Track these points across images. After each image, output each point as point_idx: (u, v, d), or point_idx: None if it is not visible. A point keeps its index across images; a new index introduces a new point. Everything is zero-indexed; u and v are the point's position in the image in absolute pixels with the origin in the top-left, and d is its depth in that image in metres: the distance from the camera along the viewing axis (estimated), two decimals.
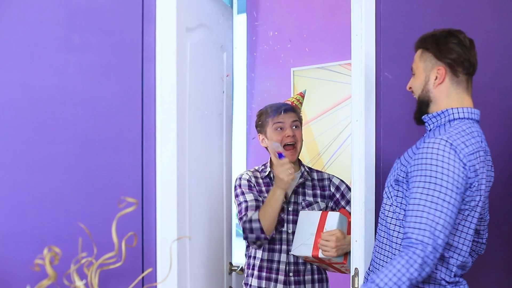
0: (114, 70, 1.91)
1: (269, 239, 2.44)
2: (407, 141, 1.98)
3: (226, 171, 2.57)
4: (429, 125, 1.82)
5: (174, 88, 1.98)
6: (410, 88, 1.88)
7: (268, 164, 2.60)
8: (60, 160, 1.80)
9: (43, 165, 1.77)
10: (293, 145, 2.51)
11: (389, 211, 1.81)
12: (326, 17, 3.67)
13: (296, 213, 2.49)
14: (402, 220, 1.76)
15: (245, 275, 2.58)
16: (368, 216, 2.07)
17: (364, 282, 1.95)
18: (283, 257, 2.48)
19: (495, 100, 2.23)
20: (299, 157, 2.60)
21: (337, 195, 2.57)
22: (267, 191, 2.53)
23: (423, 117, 1.83)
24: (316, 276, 2.53)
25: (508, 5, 2.24)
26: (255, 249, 2.52)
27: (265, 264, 2.50)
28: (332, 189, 2.58)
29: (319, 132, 3.68)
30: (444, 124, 1.77)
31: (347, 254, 2.33)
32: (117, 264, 1.43)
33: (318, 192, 2.57)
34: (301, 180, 2.55)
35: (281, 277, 2.48)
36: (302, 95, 2.78)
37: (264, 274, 2.50)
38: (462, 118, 1.76)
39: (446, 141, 1.67)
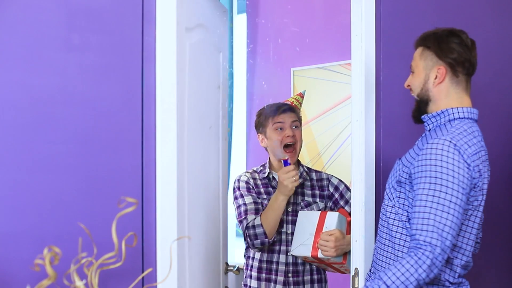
0: (114, 70, 1.91)
1: (271, 243, 2.45)
2: (407, 141, 1.98)
3: (222, 171, 2.57)
4: (428, 124, 1.81)
5: (174, 88, 1.98)
6: (408, 86, 1.88)
7: (267, 165, 2.60)
8: (60, 160, 1.80)
9: (43, 165, 1.77)
10: (292, 146, 2.51)
11: (391, 212, 1.81)
12: (326, 17, 3.67)
13: (295, 213, 2.49)
14: (405, 221, 1.75)
15: (244, 276, 2.58)
16: (368, 216, 2.07)
17: (365, 283, 1.95)
18: (282, 257, 2.48)
19: (495, 100, 2.23)
20: (298, 158, 2.60)
21: (336, 195, 2.57)
22: (266, 193, 2.53)
23: (423, 117, 1.83)
24: (315, 277, 2.53)
25: (508, 5, 2.24)
26: (255, 251, 2.53)
27: (264, 265, 2.50)
28: (331, 189, 2.58)
29: (319, 132, 3.68)
30: (444, 124, 1.77)
31: (346, 254, 2.33)
32: (117, 264, 1.43)
33: (317, 192, 2.57)
34: (300, 181, 2.55)
35: (280, 278, 2.48)
36: (302, 95, 2.78)
37: (263, 275, 2.50)
38: (462, 118, 1.76)
39: (450, 141, 1.66)
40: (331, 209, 2.55)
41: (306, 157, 3.71)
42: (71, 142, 1.82)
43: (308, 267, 2.51)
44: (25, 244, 1.72)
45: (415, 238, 1.63)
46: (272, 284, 2.48)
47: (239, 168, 4.00)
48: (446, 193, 1.62)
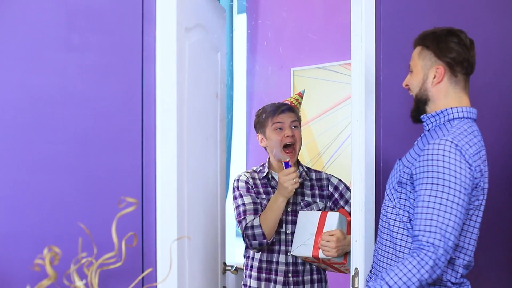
0: (114, 70, 1.91)
1: (270, 243, 2.45)
2: (407, 141, 1.98)
3: (221, 170, 2.57)
4: (427, 124, 1.81)
5: (174, 88, 1.98)
6: (406, 85, 1.87)
7: (266, 165, 2.60)
8: (60, 160, 1.80)
9: (43, 165, 1.77)
10: (292, 146, 2.51)
11: (391, 213, 1.80)
12: (326, 17, 3.67)
13: (294, 213, 2.49)
14: (406, 222, 1.75)
15: (244, 276, 2.58)
16: (368, 216, 2.07)
17: (366, 283, 1.95)
18: (282, 257, 2.48)
19: (495, 100, 2.23)
20: (297, 157, 2.60)
21: (336, 195, 2.57)
22: (265, 192, 2.54)
23: (422, 116, 1.83)
24: (315, 276, 2.53)
25: (508, 5, 2.24)
26: (254, 251, 2.53)
27: (264, 265, 2.50)
28: (331, 189, 2.58)
29: (319, 132, 3.68)
30: (444, 123, 1.76)
31: (347, 254, 2.33)
32: (117, 264, 1.43)
33: (317, 192, 2.57)
34: (299, 180, 2.55)
35: (280, 278, 2.48)
36: (301, 95, 2.78)
37: (263, 275, 2.50)
38: (461, 118, 1.76)
39: (452, 142, 1.66)
40: (331, 209, 2.55)
41: (306, 157, 3.71)
42: (71, 142, 1.82)
43: (308, 267, 2.51)
44: (25, 244, 1.72)
45: (418, 239, 1.62)
46: (272, 284, 2.48)
47: (239, 168, 4.00)
48: (449, 193, 1.62)
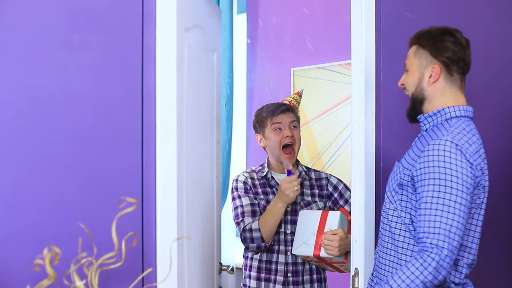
0: (114, 70, 1.91)
1: (268, 246, 2.45)
2: (407, 141, 1.98)
3: (217, 170, 2.57)
4: (424, 124, 1.81)
5: (174, 88, 1.97)
6: (402, 84, 1.87)
7: (266, 165, 2.60)
8: (60, 160, 1.80)
9: (43, 165, 1.77)
10: (291, 146, 2.51)
11: (393, 215, 1.79)
12: (326, 17, 3.67)
13: (294, 213, 2.49)
14: (408, 224, 1.74)
15: (243, 276, 2.58)
16: (368, 216, 2.07)
17: (368, 287, 1.95)
18: (281, 257, 2.48)
19: (495, 100, 2.23)
20: (297, 157, 2.60)
21: (335, 195, 2.57)
22: (263, 193, 2.54)
23: (419, 117, 1.82)
24: (315, 276, 2.53)
25: (508, 5, 2.24)
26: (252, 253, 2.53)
27: (263, 265, 2.50)
28: (330, 189, 2.58)
29: (319, 132, 3.68)
30: (442, 123, 1.76)
31: (347, 253, 2.33)
32: (117, 264, 1.43)
33: (316, 191, 2.57)
34: (299, 180, 2.55)
35: (279, 278, 2.48)
36: (300, 95, 2.78)
37: (262, 275, 2.50)
38: (459, 116, 1.75)
39: (451, 141, 1.66)
40: (331, 209, 2.56)
41: (306, 157, 3.71)
42: (71, 142, 1.82)
43: (307, 266, 2.51)
44: (25, 244, 1.72)
45: (422, 241, 1.62)
46: (271, 284, 2.48)
47: (239, 168, 4.00)
48: (451, 193, 1.62)
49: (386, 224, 1.82)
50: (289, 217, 2.49)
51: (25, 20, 1.74)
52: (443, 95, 1.77)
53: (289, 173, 2.38)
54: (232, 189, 2.56)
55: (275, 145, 2.51)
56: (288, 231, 2.48)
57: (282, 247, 2.49)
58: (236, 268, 3.80)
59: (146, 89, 1.96)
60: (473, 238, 1.74)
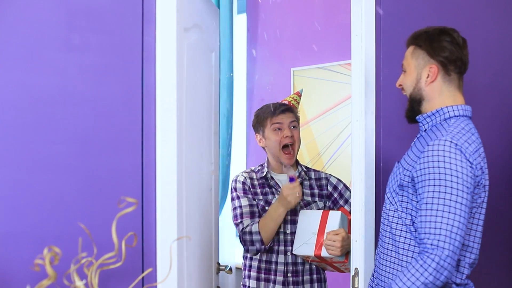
0: (114, 70, 1.91)
1: (267, 248, 2.46)
2: (407, 141, 1.98)
3: (214, 172, 2.57)
4: (423, 125, 1.81)
5: (174, 88, 1.98)
6: (400, 85, 1.87)
7: (265, 165, 2.60)
8: (60, 160, 1.80)
9: (43, 165, 1.77)
10: (291, 146, 2.51)
11: (393, 216, 1.79)
12: (326, 17, 3.67)
13: (294, 213, 2.49)
14: (409, 225, 1.74)
15: (243, 276, 2.58)
16: (368, 216, 2.07)
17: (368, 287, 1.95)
18: (281, 257, 2.48)
19: (495, 100, 2.23)
20: (296, 157, 2.60)
21: (335, 195, 2.57)
22: (262, 193, 2.54)
23: (417, 117, 1.82)
24: (314, 276, 2.53)
25: (508, 5, 2.24)
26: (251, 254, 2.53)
27: (263, 265, 2.50)
28: (330, 189, 2.58)
29: (319, 132, 3.68)
30: (440, 123, 1.76)
31: (348, 253, 2.33)
32: (117, 264, 1.43)
33: (316, 191, 2.57)
34: (298, 180, 2.55)
35: (279, 278, 2.48)
36: (299, 94, 2.78)
37: (262, 275, 2.50)
38: (457, 116, 1.75)
39: (451, 141, 1.65)
40: (331, 209, 2.55)
41: (306, 157, 3.71)
42: (71, 142, 1.82)
43: (307, 266, 2.51)
44: (25, 244, 1.72)
45: (423, 242, 1.62)
46: (271, 284, 2.48)
47: (239, 168, 4.00)
48: (451, 194, 1.61)
49: (387, 225, 1.82)
50: (289, 217, 2.49)
51: (25, 20, 1.74)
52: (441, 95, 1.77)
53: (292, 180, 2.39)
54: (231, 189, 2.57)
55: (274, 145, 2.51)
56: (288, 231, 2.48)
57: (281, 247, 2.49)
58: (236, 268, 3.80)
59: (146, 89, 1.97)
60: (474, 237, 1.74)
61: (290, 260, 2.49)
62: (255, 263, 2.52)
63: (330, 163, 3.62)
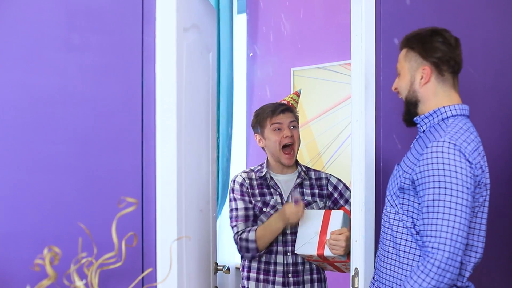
0: (114, 70, 1.92)
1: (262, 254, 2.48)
2: (407, 141, 1.98)
3: (212, 170, 2.57)
4: (421, 126, 1.80)
5: (174, 88, 1.98)
6: (396, 89, 1.87)
7: (265, 165, 2.60)
8: (60, 160, 1.80)
9: (43, 165, 1.77)
10: (290, 146, 2.51)
11: (394, 219, 1.78)
12: (326, 17, 3.67)
13: None
14: (410, 227, 1.73)
15: (242, 277, 2.58)
16: (368, 216, 2.07)
17: None
18: (280, 258, 2.48)
19: (495, 100, 2.23)
20: (296, 157, 2.60)
21: (335, 194, 2.57)
22: (260, 194, 2.53)
23: (415, 119, 1.82)
24: (315, 276, 2.53)
25: (508, 5, 2.24)
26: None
27: (262, 266, 2.50)
28: (330, 188, 2.58)
29: (319, 132, 3.68)
30: (438, 123, 1.76)
31: (349, 253, 2.33)
32: (117, 264, 1.43)
33: (316, 191, 2.57)
34: (298, 180, 2.55)
35: (279, 279, 2.47)
36: (298, 94, 2.78)
37: (261, 276, 2.50)
38: (455, 116, 1.75)
39: (449, 142, 1.65)
40: (331, 208, 2.55)
41: (306, 157, 3.71)
42: (71, 142, 1.82)
43: (307, 266, 2.51)
44: (25, 244, 1.72)
45: (425, 245, 1.62)
46: (270, 285, 2.48)
47: (239, 168, 4.00)
48: (451, 195, 1.61)
49: (388, 228, 1.81)
50: None
51: (25, 20, 1.74)
52: (436, 95, 1.77)
53: (296, 202, 2.40)
54: (230, 190, 2.58)
55: (274, 145, 2.51)
56: (288, 231, 2.48)
57: (281, 248, 2.48)
58: (236, 268, 3.80)
59: (146, 89, 1.97)
60: (478, 236, 1.73)
61: (290, 260, 2.48)
62: (254, 264, 2.52)
63: (330, 163, 3.62)
